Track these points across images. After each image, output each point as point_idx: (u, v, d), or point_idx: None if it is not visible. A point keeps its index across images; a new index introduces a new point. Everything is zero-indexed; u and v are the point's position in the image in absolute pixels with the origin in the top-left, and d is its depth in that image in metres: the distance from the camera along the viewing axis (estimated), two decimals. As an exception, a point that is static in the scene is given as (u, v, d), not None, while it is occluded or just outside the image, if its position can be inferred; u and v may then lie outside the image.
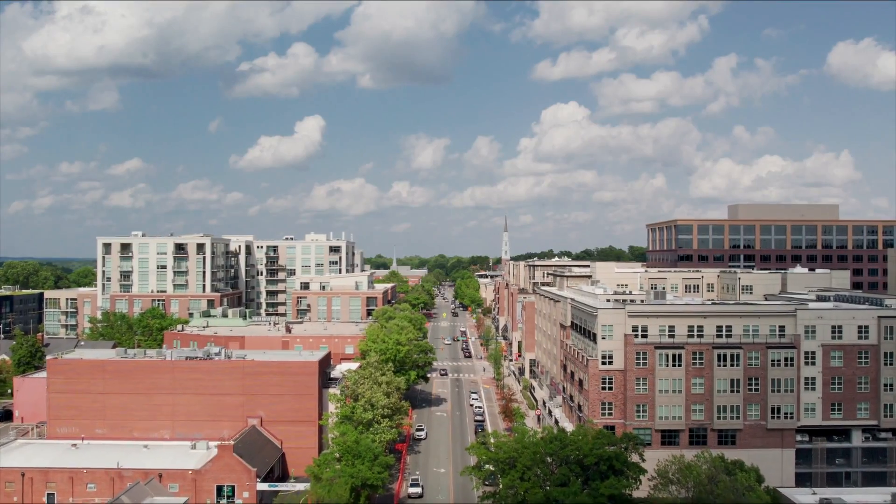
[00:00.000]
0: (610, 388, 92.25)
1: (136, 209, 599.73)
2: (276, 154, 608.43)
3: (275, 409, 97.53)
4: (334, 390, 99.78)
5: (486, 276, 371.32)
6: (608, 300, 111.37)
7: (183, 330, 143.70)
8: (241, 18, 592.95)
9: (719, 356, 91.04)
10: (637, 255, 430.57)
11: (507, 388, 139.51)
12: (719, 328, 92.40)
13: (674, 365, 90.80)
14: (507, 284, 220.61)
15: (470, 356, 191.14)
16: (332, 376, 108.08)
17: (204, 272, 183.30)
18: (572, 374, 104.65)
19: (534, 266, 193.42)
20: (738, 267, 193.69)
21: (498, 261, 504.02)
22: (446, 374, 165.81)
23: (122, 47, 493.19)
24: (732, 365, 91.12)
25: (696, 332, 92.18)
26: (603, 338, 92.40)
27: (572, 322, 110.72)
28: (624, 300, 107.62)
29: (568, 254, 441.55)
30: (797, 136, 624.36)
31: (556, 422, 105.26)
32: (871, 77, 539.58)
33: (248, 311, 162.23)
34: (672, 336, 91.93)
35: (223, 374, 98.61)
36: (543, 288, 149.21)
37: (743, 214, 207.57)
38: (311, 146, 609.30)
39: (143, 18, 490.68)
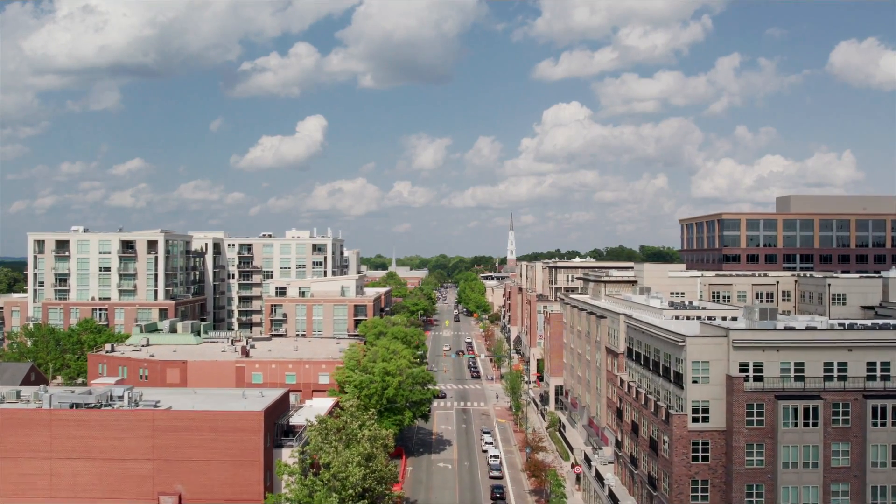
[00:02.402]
0: (705, 458, 60.45)
1: (138, 209, 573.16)
2: (277, 154, 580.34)
3: (200, 481, 65.79)
4: (290, 454, 67.93)
5: (492, 279, 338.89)
6: (676, 316, 79.80)
7: (113, 351, 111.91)
8: (243, 18, 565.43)
9: (874, 410, 59.25)
10: (649, 255, 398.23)
11: (530, 427, 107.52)
12: (871, 366, 60.60)
13: (805, 424, 58.98)
14: (520, 289, 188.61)
15: (478, 376, 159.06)
16: (291, 423, 76.47)
17: (156, 275, 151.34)
18: (634, 426, 72.79)
19: (555, 268, 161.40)
20: (794, 268, 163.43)
21: (503, 261, 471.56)
22: (445, 397, 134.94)
23: (123, 47, 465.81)
24: (894, 423, 59.35)
25: (836, 373, 60.39)
26: (694, 381, 60.56)
27: (629, 349, 78.92)
28: (700, 317, 75.88)
29: (576, 254, 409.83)
30: (799, 136, 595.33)
31: (612, 497, 73.28)
32: (873, 77, 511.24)
33: (203, 324, 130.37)
34: (801, 378, 60.11)
35: (125, 430, 66.83)
36: (575, 297, 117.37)
37: (796, 207, 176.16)
38: (313, 146, 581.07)
39: (144, 18, 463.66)
